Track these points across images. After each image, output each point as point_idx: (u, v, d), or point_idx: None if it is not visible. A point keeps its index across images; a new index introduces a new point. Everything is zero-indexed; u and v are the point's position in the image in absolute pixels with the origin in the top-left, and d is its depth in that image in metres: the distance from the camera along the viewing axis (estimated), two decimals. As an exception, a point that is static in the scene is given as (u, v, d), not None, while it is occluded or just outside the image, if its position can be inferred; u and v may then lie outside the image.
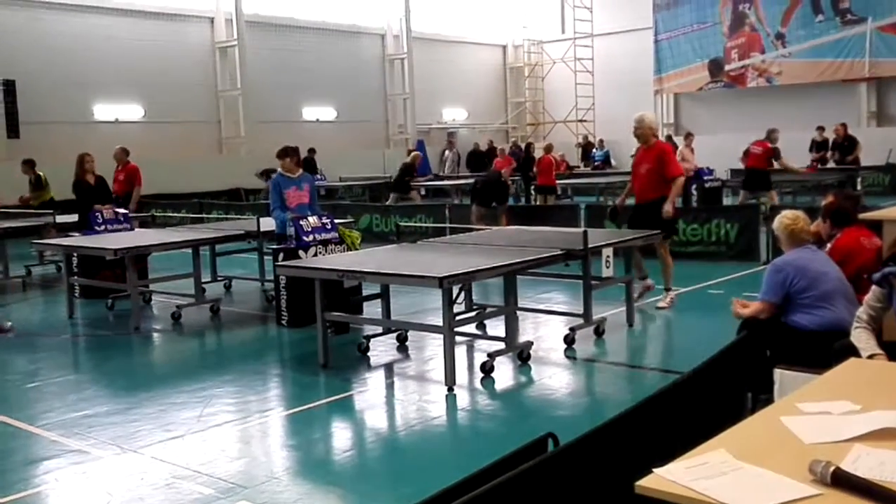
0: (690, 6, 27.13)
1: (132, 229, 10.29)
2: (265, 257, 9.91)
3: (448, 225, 11.84)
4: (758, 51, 26.12)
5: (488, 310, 7.77)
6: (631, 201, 8.86)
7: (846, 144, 19.24)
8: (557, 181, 18.18)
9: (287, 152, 8.65)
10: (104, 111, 21.52)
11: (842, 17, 24.35)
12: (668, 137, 22.55)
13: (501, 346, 6.59)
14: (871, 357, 3.81)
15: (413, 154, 18.49)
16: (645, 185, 8.36)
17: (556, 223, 11.02)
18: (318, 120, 26.15)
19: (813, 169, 18.54)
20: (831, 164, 19.34)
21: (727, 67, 26.79)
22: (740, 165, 19.91)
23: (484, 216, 12.28)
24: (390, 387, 6.33)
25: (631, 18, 28.42)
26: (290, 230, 7.94)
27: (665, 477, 2.03)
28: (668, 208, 8.11)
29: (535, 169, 17.39)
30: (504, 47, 32.72)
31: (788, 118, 22.88)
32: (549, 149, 17.34)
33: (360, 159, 25.94)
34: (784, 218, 5.06)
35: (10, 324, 8.55)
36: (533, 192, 18.45)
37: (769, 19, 25.69)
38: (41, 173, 13.55)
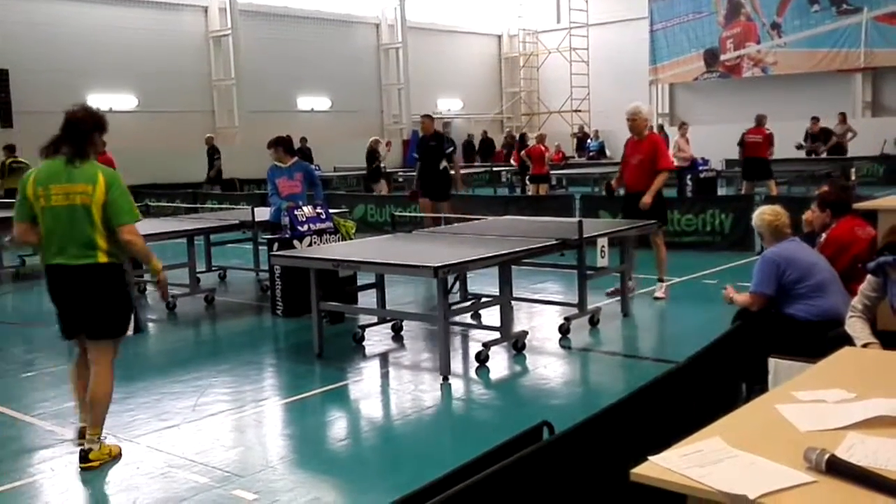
0: (686, -4, 27.13)
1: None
2: (260, 247, 9.90)
3: (443, 214, 11.82)
4: (753, 41, 26.11)
5: (483, 299, 7.77)
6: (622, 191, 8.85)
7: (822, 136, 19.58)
8: (552, 171, 18.16)
9: (273, 143, 8.88)
10: (98, 101, 21.38)
11: (837, 6, 24.34)
12: (661, 128, 22.54)
13: (496, 335, 6.59)
14: (865, 346, 3.82)
15: (371, 139, 17.71)
16: (637, 176, 8.34)
17: (552, 213, 11.02)
18: (312, 110, 26.09)
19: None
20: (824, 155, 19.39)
21: (723, 57, 26.78)
22: (735, 156, 19.93)
23: (431, 209, 11.34)
24: (385, 376, 6.33)
25: (626, 8, 28.38)
26: (285, 220, 7.95)
27: (660, 464, 2.04)
28: (646, 200, 8.02)
29: (521, 154, 17.33)
30: (499, 37, 32.65)
31: (784, 108, 22.90)
32: (541, 139, 17.30)
33: (355, 149, 25.79)
34: (765, 214, 5.06)
35: None
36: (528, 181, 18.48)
37: (765, 9, 25.67)
38: (19, 158, 13.44)
